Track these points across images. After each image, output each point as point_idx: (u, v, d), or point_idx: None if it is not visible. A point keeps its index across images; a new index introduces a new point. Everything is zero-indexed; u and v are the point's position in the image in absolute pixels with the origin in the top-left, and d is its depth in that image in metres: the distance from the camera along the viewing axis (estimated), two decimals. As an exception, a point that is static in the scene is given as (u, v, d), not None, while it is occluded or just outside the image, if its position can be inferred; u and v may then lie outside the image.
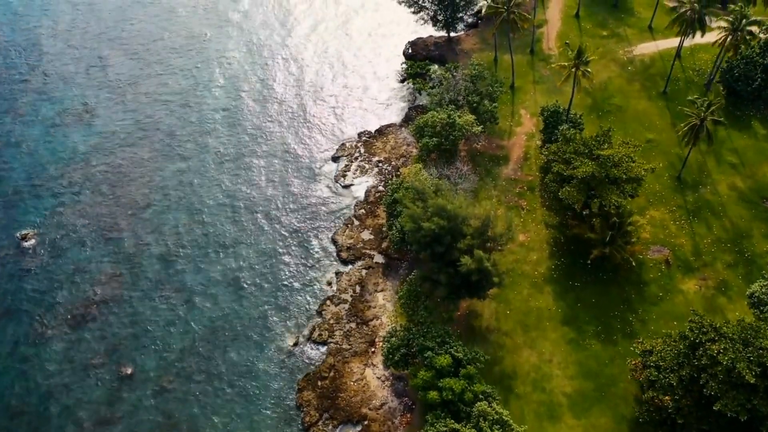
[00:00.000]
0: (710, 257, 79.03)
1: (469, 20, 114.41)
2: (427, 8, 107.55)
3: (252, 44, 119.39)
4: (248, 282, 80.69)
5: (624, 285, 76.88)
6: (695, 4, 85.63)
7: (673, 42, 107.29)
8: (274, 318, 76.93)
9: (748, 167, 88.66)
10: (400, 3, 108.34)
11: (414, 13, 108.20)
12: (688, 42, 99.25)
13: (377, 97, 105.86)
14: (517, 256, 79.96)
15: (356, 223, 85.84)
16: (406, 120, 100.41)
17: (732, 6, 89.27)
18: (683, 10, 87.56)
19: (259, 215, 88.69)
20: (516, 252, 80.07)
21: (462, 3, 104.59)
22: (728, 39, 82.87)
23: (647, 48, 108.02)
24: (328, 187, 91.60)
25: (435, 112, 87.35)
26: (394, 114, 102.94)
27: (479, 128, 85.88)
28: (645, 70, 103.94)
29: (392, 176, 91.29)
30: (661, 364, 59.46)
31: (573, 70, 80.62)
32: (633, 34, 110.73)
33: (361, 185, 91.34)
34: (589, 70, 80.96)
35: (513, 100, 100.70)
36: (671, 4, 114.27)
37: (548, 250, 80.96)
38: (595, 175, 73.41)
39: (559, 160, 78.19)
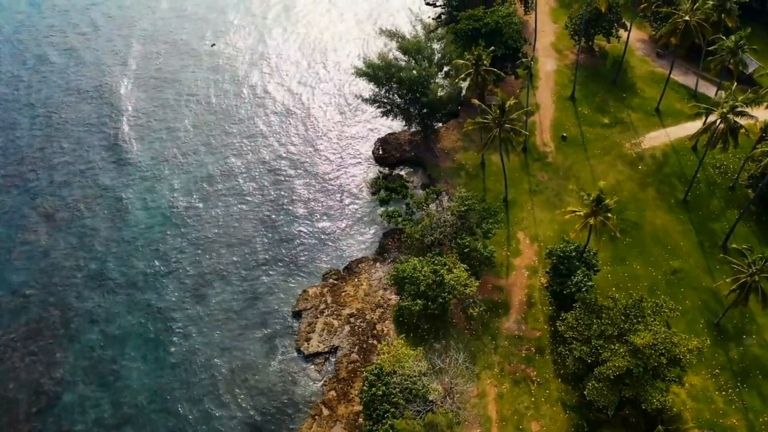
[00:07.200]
0: (771, 445, 63.37)
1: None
2: (399, 104, 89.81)
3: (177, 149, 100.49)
4: None
5: (671, 497, 60.60)
6: (729, 115, 69.60)
7: (685, 129, 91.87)
8: None
9: (797, 303, 73.27)
10: (367, 103, 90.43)
11: (385, 113, 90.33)
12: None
13: (344, 220, 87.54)
14: (531, 456, 63.23)
15: (325, 412, 67.85)
16: (381, 251, 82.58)
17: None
18: (713, 119, 71.57)
19: (198, 405, 69.80)
20: (530, 451, 63.32)
21: (439, 104, 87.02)
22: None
23: (657, 138, 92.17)
24: (288, 358, 73.11)
25: (417, 263, 69.98)
26: (366, 241, 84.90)
27: (475, 285, 68.64)
28: (658, 170, 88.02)
29: (368, 337, 73.65)
30: None
31: (590, 220, 63.77)
32: (639, 120, 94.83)
33: (330, 353, 73.21)
34: (609, 215, 64.27)
35: (507, 218, 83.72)
36: (680, 80, 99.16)
37: (570, 445, 64.29)
38: (630, 369, 56.96)
39: (580, 338, 61.53)
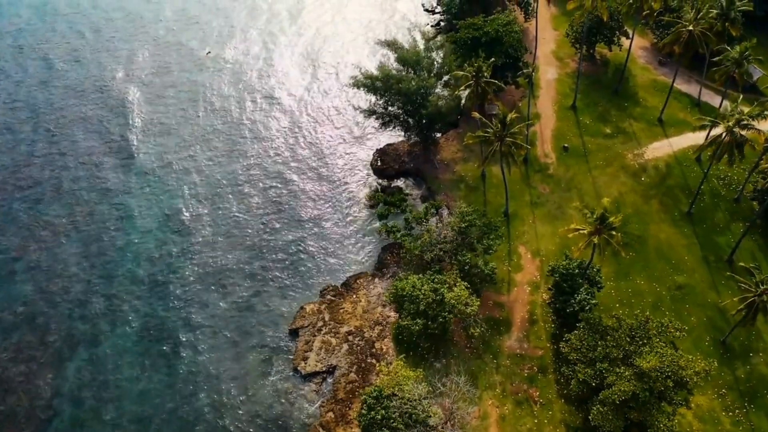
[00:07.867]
0: (781, 469, 61.86)
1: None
2: (398, 115, 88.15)
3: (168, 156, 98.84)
4: None
5: None
6: (735, 128, 68.07)
7: (688, 139, 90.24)
8: None
9: (804, 320, 71.76)
10: (366, 114, 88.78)
11: (384, 124, 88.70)
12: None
13: (341, 234, 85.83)
14: (534, 481, 61.64)
15: (323, 434, 66.24)
16: (380, 266, 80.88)
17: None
18: (720, 132, 70.03)
19: (191, 426, 67.89)
20: (534, 476, 61.74)
21: (439, 115, 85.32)
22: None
23: (660, 149, 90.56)
24: (284, 378, 71.41)
25: (417, 281, 68.33)
26: (364, 255, 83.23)
27: (476, 305, 66.94)
28: (662, 181, 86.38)
29: (367, 356, 71.98)
30: None
31: (594, 238, 62.14)
32: (641, 130, 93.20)
33: (328, 373, 71.44)
34: (614, 233, 62.68)
35: (508, 232, 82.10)
36: (683, 88, 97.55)
37: (575, 470, 62.74)
38: (637, 394, 55.41)
39: (585, 360, 59.94)
